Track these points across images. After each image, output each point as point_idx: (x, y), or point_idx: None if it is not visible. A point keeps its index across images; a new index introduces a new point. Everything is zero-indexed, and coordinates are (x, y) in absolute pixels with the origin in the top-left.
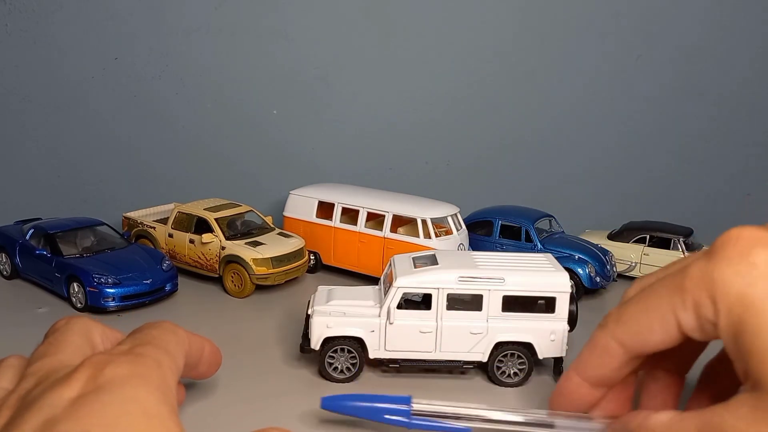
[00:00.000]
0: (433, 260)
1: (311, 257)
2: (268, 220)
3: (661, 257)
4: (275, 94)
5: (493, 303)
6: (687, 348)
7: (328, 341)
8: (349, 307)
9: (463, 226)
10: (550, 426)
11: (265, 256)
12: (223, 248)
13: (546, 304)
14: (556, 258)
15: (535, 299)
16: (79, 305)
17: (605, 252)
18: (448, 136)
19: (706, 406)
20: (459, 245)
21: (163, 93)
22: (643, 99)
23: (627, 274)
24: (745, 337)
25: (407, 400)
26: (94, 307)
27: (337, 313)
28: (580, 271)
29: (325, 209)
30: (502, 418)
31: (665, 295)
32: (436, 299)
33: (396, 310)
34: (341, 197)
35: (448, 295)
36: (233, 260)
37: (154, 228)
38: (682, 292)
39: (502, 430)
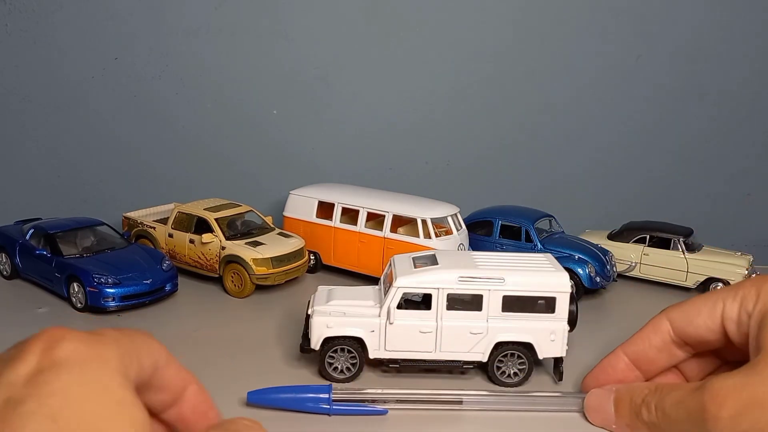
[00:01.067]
0: (433, 260)
1: (311, 257)
2: (268, 220)
3: (661, 257)
4: (275, 94)
5: (493, 303)
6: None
7: (328, 341)
8: (349, 307)
9: (463, 226)
10: (459, 402)
11: (265, 256)
12: (223, 248)
13: (546, 304)
14: (556, 258)
15: (535, 299)
16: (79, 305)
17: (605, 252)
18: (448, 136)
19: None
20: (459, 245)
21: (163, 93)
22: (643, 99)
23: (627, 274)
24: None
25: (328, 389)
26: (94, 307)
27: (337, 313)
28: (580, 271)
29: (325, 209)
30: (415, 398)
31: (723, 289)
32: (436, 299)
33: (396, 310)
34: (341, 197)
35: (448, 295)
36: (233, 260)
37: (154, 228)
38: (737, 287)
39: (416, 408)
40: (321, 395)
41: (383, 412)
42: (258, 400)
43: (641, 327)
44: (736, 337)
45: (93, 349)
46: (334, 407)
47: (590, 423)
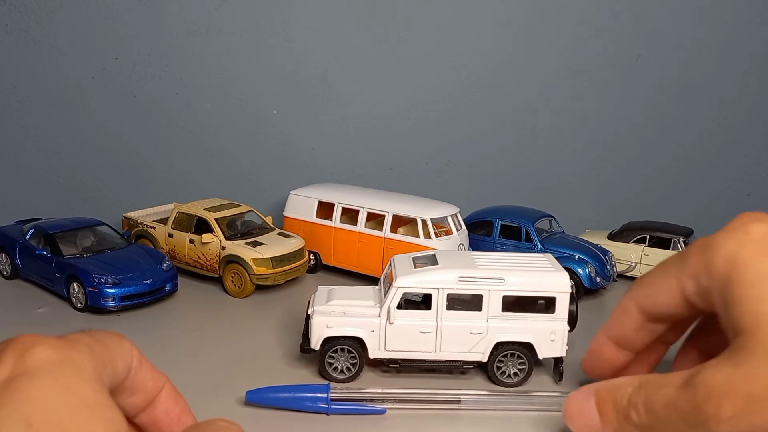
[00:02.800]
0: (433, 260)
1: (311, 257)
2: (268, 220)
3: (661, 257)
4: (275, 94)
5: (493, 303)
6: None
7: (328, 341)
8: (349, 307)
9: (463, 226)
10: (457, 402)
11: (265, 256)
12: (223, 248)
13: (546, 304)
14: (556, 258)
15: (535, 299)
16: (79, 305)
17: (605, 252)
18: (448, 135)
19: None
20: (459, 245)
21: (163, 93)
22: (643, 99)
23: (627, 274)
24: (733, 289)
25: (326, 389)
26: (94, 307)
27: (337, 313)
28: (580, 271)
29: (325, 209)
30: (414, 397)
31: (674, 261)
32: (436, 299)
33: (396, 310)
34: (341, 197)
35: (448, 295)
36: (233, 260)
37: (154, 228)
38: (687, 257)
39: (415, 408)
40: (319, 395)
41: (381, 412)
42: (256, 399)
43: (614, 309)
44: (707, 308)
45: (66, 355)
46: (332, 406)
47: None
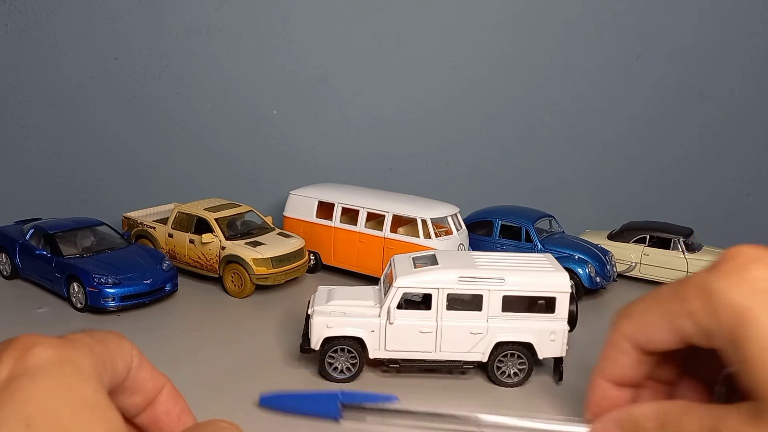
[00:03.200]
0: (433, 260)
1: (311, 257)
2: (268, 220)
3: (661, 257)
4: (275, 94)
5: (493, 303)
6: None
7: (328, 341)
8: (349, 307)
9: (463, 226)
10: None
11: (265, 256)
12: (223, 248)
13: (546, 304)
14: (556, 258)
15: (535, 299)
16: (79, 305)
17: (605, 252)
18: (449, 135)
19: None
20: (459, 245)
21: (163, 93)
22: (643, 99)
23: (627, 274)
24: (744, 349)
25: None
26: (94, 307)
27: (337, 313)
28: (580, 271)
29: (325, 209)
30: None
31: (669, 299)
32: (436, 299)
33: (396, 310)
34: (341, 197)
35: (448, 295)
36: (233, 260)
37: (154, 228)
38: (682, 300)
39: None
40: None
41: (394, 399)
42: (270, 404)
43: (603, 349)
44: (705, 345)
45: (66, 355)
46: (343, 396)
47: None
